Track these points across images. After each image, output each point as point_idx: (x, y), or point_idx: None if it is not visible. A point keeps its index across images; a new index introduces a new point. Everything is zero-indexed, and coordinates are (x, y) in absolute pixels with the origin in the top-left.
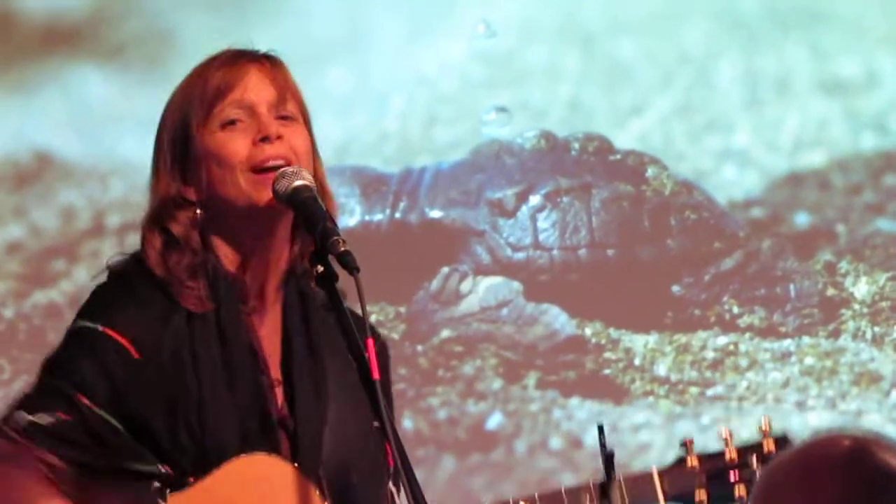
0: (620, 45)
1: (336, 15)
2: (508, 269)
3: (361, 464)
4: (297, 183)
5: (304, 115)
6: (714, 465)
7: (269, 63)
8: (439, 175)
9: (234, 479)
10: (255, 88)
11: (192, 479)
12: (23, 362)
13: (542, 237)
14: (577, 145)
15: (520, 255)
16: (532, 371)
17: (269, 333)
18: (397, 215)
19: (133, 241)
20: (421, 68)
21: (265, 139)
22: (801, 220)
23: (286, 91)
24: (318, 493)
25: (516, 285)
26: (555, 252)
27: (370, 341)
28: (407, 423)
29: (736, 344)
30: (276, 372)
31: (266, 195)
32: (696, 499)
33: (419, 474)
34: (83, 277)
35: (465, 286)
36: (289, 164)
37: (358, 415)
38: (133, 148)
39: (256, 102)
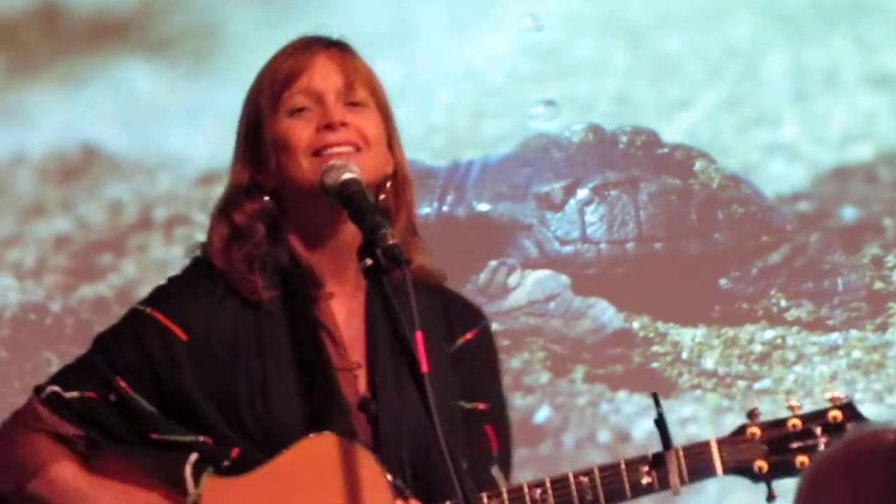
0: (667, 38)
1: (382, 8)
2: (556, 262)
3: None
4: (346, 176)
5: (377, 100)
6: (776, 434)
7: (337, 50)
8: (487, 169)
9: (298, 461)
10: (323, 76)
11: (235, 450)
12: (70, 356)
13: (589, 231)
14: (624, 139)
15: (567, 249)
16: (579, 364)
17: (350, 317)
18: (445, 209)
19: (180, 235)
20: (468, 62)
21: (329, 126)
22: (849, 213)
23: (355, 78)
24: (386, 473)
25: (564, 279)
26: (602, 246)
27: (419, 334)
28: None
29: (783, 337)
30: (358, 356)
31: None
32: (755, 469)
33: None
34: (130, 271)
35: (513, 280)
36: (357, 149)
37: (443, 398)
38: (180, 141)
39: (324, 90)
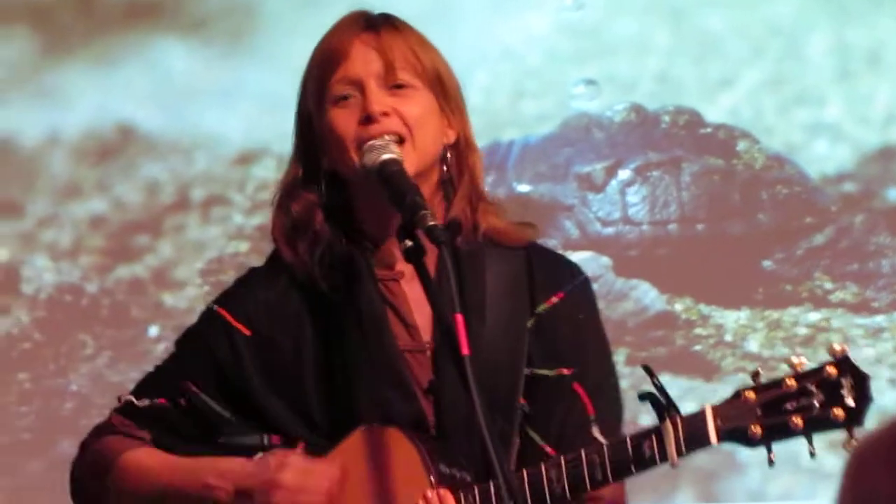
0: (710, 17)
1: None
2: (597, 244)
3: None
4: (385, 156)
5: (425, 75)
6: (770, 396)
7: (373, 31)
8: (527, 149)
9: (353, 453)
10: (362, 61)
11: (301, 445)
12: (105, 338)
13: (631, 212)
14: (667, 118)
15: (609, 230)
16: (622, 347)
17: (422, 296)
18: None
19: (217, 215)
20: (506, 41)
21: (368, 119)
22: (893, 195)
23: (394, 58)
24: (430, 461)
25: (605, 260)
26: (644, 227)
27: (459, 317)
28: None
29: (828, 320)
30: (429, 335)
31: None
32: (750, 434)
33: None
34: (167, 252)
35: None
36: (400, 139)
37: (498, 373)
38: (216, 121)
39: (363, 77)
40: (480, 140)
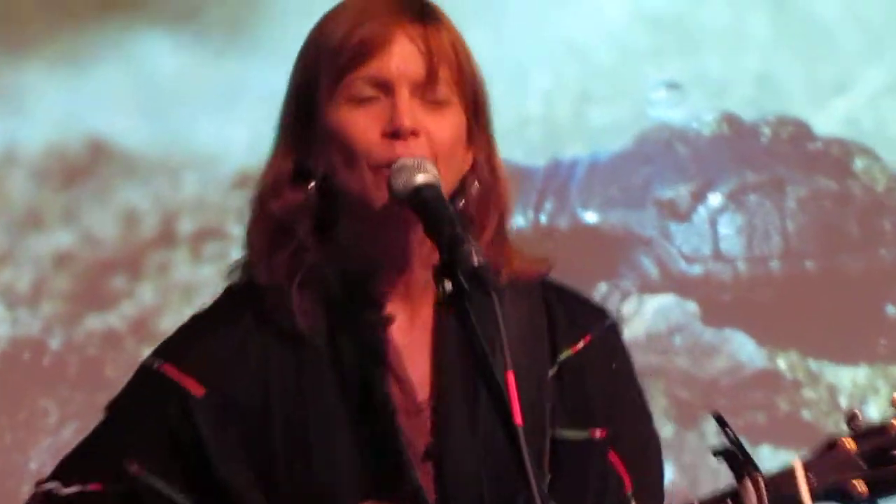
0: (819, 3)
1: None
2: (682, 285)
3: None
4: (419, 179)
5: (462, 89)
6: (874, 444)
7: (422, 25)
8: (595, 168)
9: None
10: (400, 60)
11: None
12: (73, 404)
13: (723, 245)
14: (767, 131)
15: (696, 269)
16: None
17: (415, 347)
18: (543, 219)
19: (211, 252)
20: (571, 35)
21: (396, 134)
22: None
23: (440, 66)
24: None
25: (692, 306)
26: (740, 264)
27: (509, 374)
28: None
29: None
30: (423, 393)
31: (383, 197)
32: (853, 490)
33: None
34: (148, 297)
35: (628, 308)
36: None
37: (530, 437)
38: (211, 135)
39: (396, 79)
40: (538, 157)
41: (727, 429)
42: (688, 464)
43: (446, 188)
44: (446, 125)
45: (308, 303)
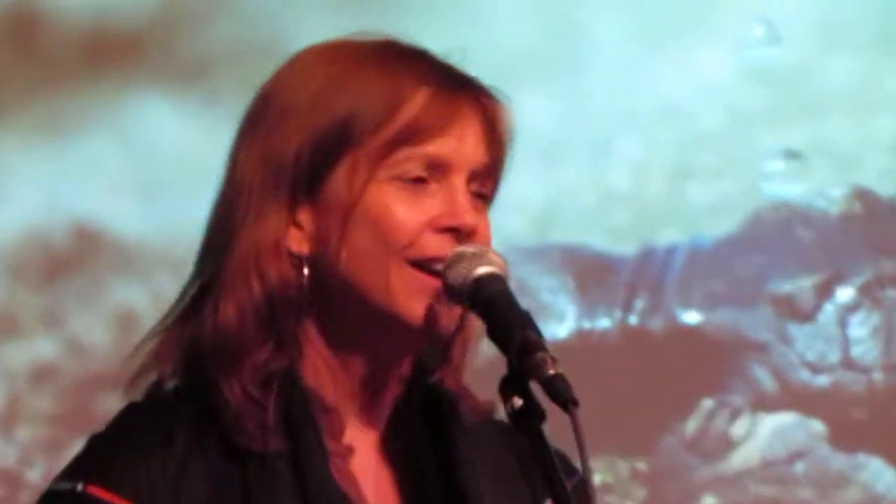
0: None
1: (533, 15)
2: (805, 400)
3: None
4: (482, 270)
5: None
6: None
7: (492, 104)
8: (696, 257)
9: None
10: (468, 143)
11: None
12: None
13: (856, 352)
14: None
15: (822, 380)
16: None
17: (378, 482)
18: (632, 320)
19: None
20: (665, 94)
21: (454, 231)
22: None
23: (501, 156)
24: None
25: (817, 426)
26: (876, 374)
27: None
28: None
29: None
30: None
31: (440, 317)
32: None
33: None
34: None
35: (739, 428)
36: None
37: None
38: None
39: (459, 165)
40: (627, 243)
41: None
42: None
43: None
44: (488, 227)
45: (278, 414)
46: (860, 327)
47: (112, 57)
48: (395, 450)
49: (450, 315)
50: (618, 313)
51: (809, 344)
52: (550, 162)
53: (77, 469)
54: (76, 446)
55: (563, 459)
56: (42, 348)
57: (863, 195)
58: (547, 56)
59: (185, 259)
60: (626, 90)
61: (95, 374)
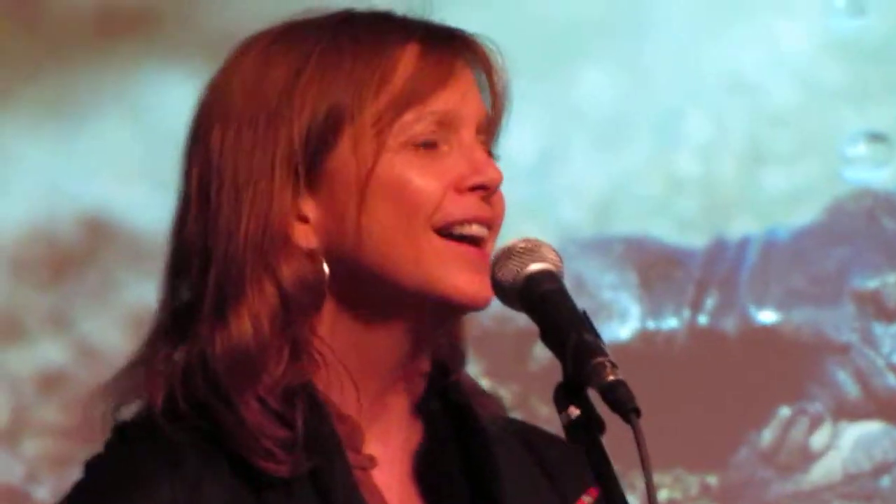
0: None
1: None
2: (892, 408)
3: None
4: (534, 267)
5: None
6: None
7: (487, 53)
8: (772, 250)
9: None
10: (471, 95)
11: None
12: None
13: None
14: None
15: None
16: None
17: (403, 494)
18: (702, 319)
19: None
20: (736, 69)
21: (481, 188)
22: None
23: (504, 108)
24: None
25: None
26: None
27: None
28: None
29: None
30: None
31: (479, 287)
32: None
33: None
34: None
35: (819, 438)
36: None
37: None
38: None
39: (466, 120)
40: (695, 235)
41: None
42: None
43: None
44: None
45: (299, 431)
46: None
47: (125, 30)
48: (419, 455)
49: (485, 284)
50: (686, 312)
51: None
52: (610, 144)
53: (83, 499)
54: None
55: (574, 457)
56: (49, 353)
57: None
58: (606, 26)
59: None
60: (694, 64)
61: (107, 378)
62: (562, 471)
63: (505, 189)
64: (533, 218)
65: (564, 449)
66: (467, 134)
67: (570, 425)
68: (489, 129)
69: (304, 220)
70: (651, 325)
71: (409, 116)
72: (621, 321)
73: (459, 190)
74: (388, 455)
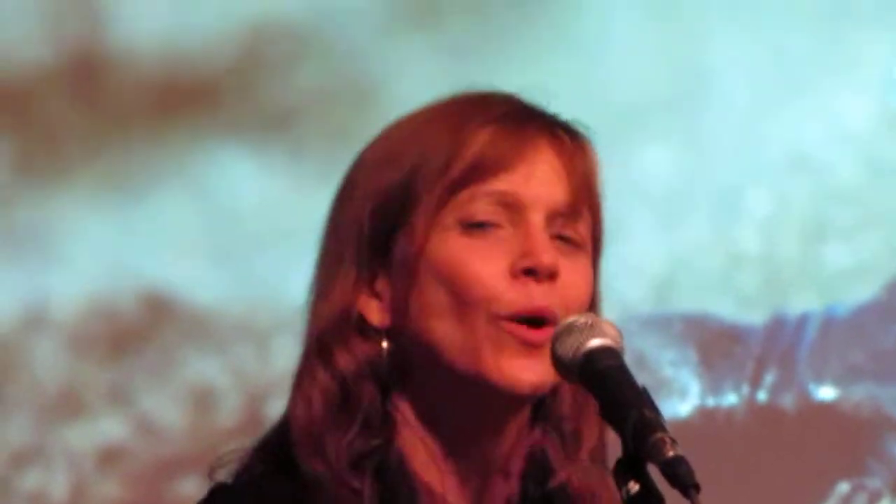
0: None
1: (652, 56)
2: None
3: None
4: (594, 343)
5: (595, 237)
6: None
7: (568, 138)
8: (832, 326)
9: None
10: (540, 178)
11: None
12: None
13: None
14: None
15: None
16: None
17: None
18: (761, 396)
19: None
20: (798, 144)
21: (532, 272)
22: None
23: (584, 195)
24: None
25: None
26: None
27: None
28: None
29: None
30: None
31: (523, 371)
32: None
33: None
34: None
35: None
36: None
37: None
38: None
39: (532, 203)
40: (754, 311)
41: None
42: None
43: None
44: (580, 276)
45: (369, 498)
46: None
47: (185, 105)
48: None
49: (533, 369)
50: (745, 389)
51: None
52: (671, 220)
53: None
54: None
55: None
56: (109, 429)
57: None
58: (667, 101)
59: (267, 329)
60: (755, 139)
61: (169, 457)
62: None
63: None
64: None
65: None
66: (534, 217)
67: (629, 500)
68: (570, 216)
69: (378, 297)
70: (710, 401)
71: (466, 194)
72: (681, 398)
73: (514, 273)
74: None
